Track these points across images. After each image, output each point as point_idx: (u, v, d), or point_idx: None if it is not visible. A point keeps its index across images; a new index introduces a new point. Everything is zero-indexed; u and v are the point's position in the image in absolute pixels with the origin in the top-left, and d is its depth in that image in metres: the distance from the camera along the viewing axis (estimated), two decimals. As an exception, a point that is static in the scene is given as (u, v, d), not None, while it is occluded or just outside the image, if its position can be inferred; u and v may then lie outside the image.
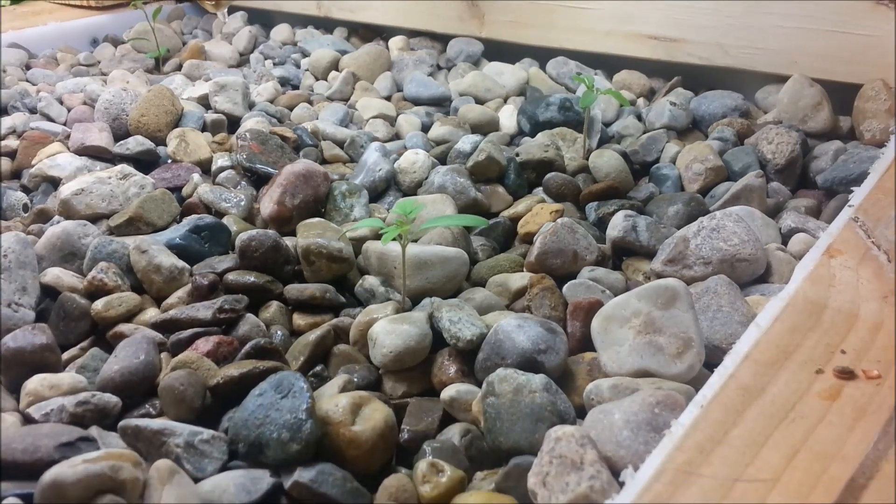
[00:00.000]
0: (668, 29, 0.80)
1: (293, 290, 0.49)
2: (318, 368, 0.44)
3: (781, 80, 0.72)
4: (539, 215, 0.58)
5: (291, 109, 0.80)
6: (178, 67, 0.94)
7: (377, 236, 0.54)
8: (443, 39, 0.97)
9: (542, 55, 0.89)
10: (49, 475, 0.34)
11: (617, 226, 0.52)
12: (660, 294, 0.39)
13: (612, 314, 0.41)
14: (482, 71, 0.87)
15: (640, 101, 0.80)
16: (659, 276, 0.48)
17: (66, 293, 0.47)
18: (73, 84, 0.80)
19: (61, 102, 0.78)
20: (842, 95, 0.70)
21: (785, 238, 0.54)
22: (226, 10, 1.07)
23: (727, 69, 0.77)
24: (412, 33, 0.98)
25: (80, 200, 0.57)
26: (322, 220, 0.55)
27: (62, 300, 0.46)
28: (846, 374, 0.34)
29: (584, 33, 0.85)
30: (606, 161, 0.65)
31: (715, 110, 0.73)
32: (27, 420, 0.40)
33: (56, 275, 0.48)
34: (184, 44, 1.02)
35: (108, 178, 0.59)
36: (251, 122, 0.72)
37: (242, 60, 0.99)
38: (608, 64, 0.86)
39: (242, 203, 0.60)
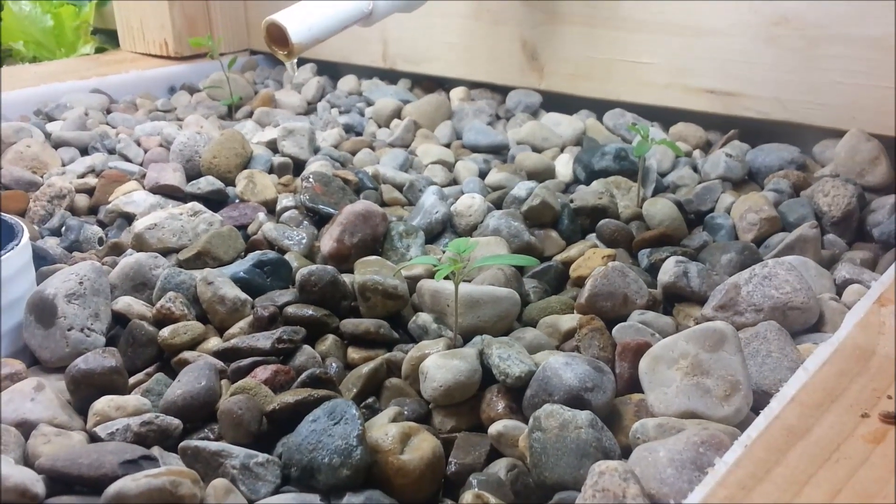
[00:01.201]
0: (725, 83, 0.81)
1: (349, 324, 0.51)
2: (369, 400, 0.46)
3: (839, 134, 0.72)
4: (591, 259, 0.59)
5: (354, 154, 0.83)
6: (249, 114, 0.99)
7: (431, 275, 0.55)
8: (502, 91, 0.99)
9: (600, 107, 0.91)
10: (113, 488, 0.35)
11: (668, 271, 0.53)
12: (707, 336, 0.40)
13: (659, 355, 0.41)
14: (540, 121, 0.89)
15: (696, 152, 0.81)
16: (709, 321, 0.48)
17: (135, 320, 0.49)
18: (150, 127, 0.85)
19: (139, 144, 0.82)
20: (900, 150, 0.70)
21: (839, 289, 0.54)
22: (295, 61, 1.12)
23: (785, 123, 0.78)
24: (473, 84, 1.01)
25: (153, 234, 0.60)
26: (378, 258, 0.57)
27: (131, 327, 0.49)
28: (892, 419, 0.34)
29: (641, 86, 0.87)
30: (660, 209, 0.65)
31: (771, 163, 0.73)
32: (93, 438, 0.42)
33: (127, 303, 0.51)
34: (256, 93, 1.07)
35: (180, 215, 0.62)
36: (315, 165, 0.75)
37: (310, 108, 1.03)
38: (665, 116, 0.87)
39: (304, 241, 0.63)
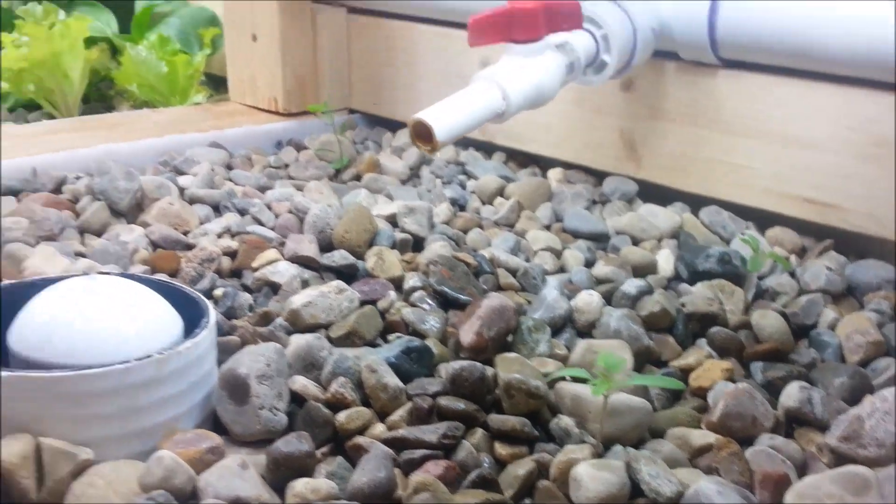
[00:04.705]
0: (822, 194, 0.86)
1: (496, 420, 0.56)
2: (526, 502, 0.51)
3: (936, 257, 0.77)
4: (710, 371, 0.64)
5: (466, 232, 0.89)
6: (356, 177, 1.04)
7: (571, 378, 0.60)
8: (596, 174, 1.04)
9: (696, 201, 0.96)
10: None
11: (793, 396, 0.58)
12: (852, 481, 0.44)
13: (804, 493, 0.46)
14: (637, 212, 0.94)
15: (792, 258, 0.86)
16: (833, 451, 0.52)
17: (311, 402, 0.55)
18: (279, 193, 0.91)
19: (269, 208, 0.88)
20: None
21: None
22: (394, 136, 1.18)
23: (880, 239, 0.82)
24: (568, 165, 1.07)
25: (307, 311, 0.66)
26: (518, 356, 0.62)
27: (308, 408, 0.54)
28: None
29: (739, 188, 0.92)
30: (770, 322, 0.70)
31: (870, 280, 0.78)
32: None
33: (303, 384, 0.56)
34: (358, 153, 1.13)
35: (328, 293, 0.68)
36: (437, 247, 0.80)
37: (412, 174, 1.08)
38: (761, 218, 0.92)
39: (437, 326, 0.68)
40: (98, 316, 0.51)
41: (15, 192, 0.87)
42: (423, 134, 0.69)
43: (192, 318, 0.56)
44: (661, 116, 0.97)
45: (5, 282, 0.62)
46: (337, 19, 1.21)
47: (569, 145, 1.06)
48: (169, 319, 0.54)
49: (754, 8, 0.82)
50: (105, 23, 1.35)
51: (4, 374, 0.47)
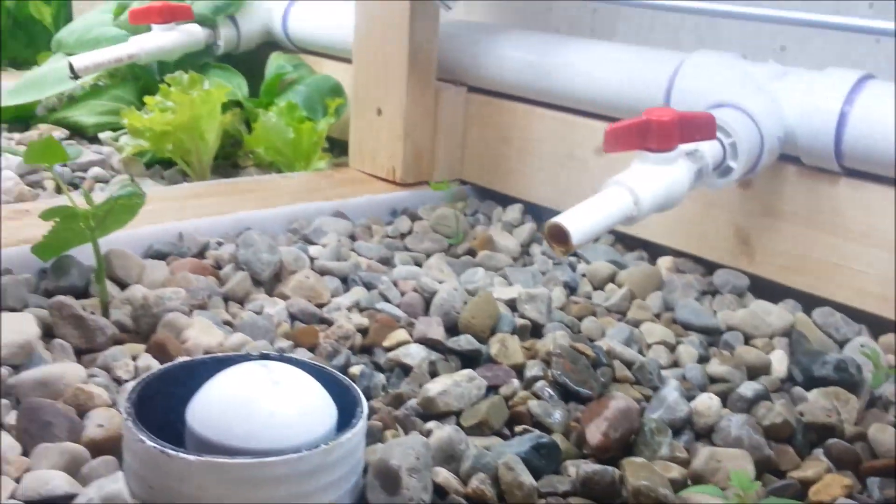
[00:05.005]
0: (940, 305, 0.87)
1: (625, 524, 0.59)
2: None
3: None
4: (831, 486, 0.65)
5: (580, 320, 0.92)
6: (469, 252, 1.09)
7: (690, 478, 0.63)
8: (706, 263, 1.06)
9: (808, 300, 0.97)
10: None
11: (919, 525, 0.59)
12: None
13: None
14: (750, 308, 0.96)
15: (907, 369, 0.86)
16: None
17: (453, 495, 0.58)
18: (405, 272, 0.96)
19: (395, 285, 0.93)
20: None
21: None
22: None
23: None
24: (677, 253, 1.09)
25: (441, 399, 0.70)
26: (645, 461, 0.65)
27: (451, 502, 0.58)
28: None
29: (853, 292, 0.93)
30: (888, 438, 0.71)
31: None
32: None
33: (446, 477, 0.60)
34: (470, 226, 1.17)
35: (460, 381, 0.72)
36: (557, 336, 0.84)
37: (523, 251, 1.12)
38: (874, 322, 0.92)
39: (561, 420, 0.71)
40: (273, 403, 0.56)
41: (163, 256, 0.94)
42: (558, 236, 0.73)
43: (342, 404, 0.61)
44: (778, 216, 0.99)
45: (181, 359, 0.68)
46: (457, 97, 1.27)
47: (680, 234, 1.08)
48: (328, 407, 0.59)
49: (884, 123, 0.84)
50: (237, 86, 1.44)
51: (193, 458, 0.52)
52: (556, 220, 0.74)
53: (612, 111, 1.11)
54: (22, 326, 0.69)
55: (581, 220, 0.74)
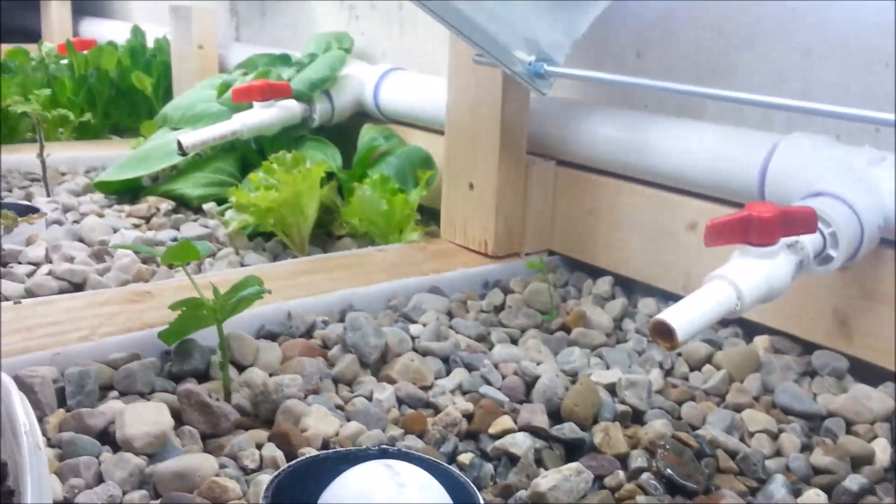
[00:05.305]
0: None
1: None
2: None
3: None
4: None
5: (680, 405, 0.93)
6: (562, 327, 1.11)
7: None
8: (803, 343, 1.06)
9: (910, 386, 0.96)
10: None
11: None
12: None
13: None
14: (851, 393, 0.95)
15: None
16: None
17: None
18: (505, 354, 0.98)
19: (496, 367, 0.95)
20: None
21: None
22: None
23: None
24: (772, 331, 1.09)
25: (552, 494, 0.72)
26: (759, 564, 0.66)
27: None
28: None
29: (960, 379, 0.92)
30: None
31: None
32: None
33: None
34: (563, 299, 1.19)
35: (569, 476, 0.74)
36: (659, 425, 0.85)
37: (615, 325, 1.14)
38: (982, 412, 0.91)
39: (669, 515, 0.73)
40: (401, 505, 0.59)
41: (274, 336, 0.99)
42: (663, 332, 0.75)
43: (457, 498, 0.63)
44: (877, 298, 0.98)
45: (306, 454, 0.72)
46: (547, 171, 1.30)
47: (776, 312, 1.08)
48: (449, 507, 0.62)
49: None
50: (331, 157, 1.50)
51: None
52: (661, 316, 0.75)
53: (703, 189, 1.13)
54: (157, 417, 0.74)
55: (685, 316, 0.76)
